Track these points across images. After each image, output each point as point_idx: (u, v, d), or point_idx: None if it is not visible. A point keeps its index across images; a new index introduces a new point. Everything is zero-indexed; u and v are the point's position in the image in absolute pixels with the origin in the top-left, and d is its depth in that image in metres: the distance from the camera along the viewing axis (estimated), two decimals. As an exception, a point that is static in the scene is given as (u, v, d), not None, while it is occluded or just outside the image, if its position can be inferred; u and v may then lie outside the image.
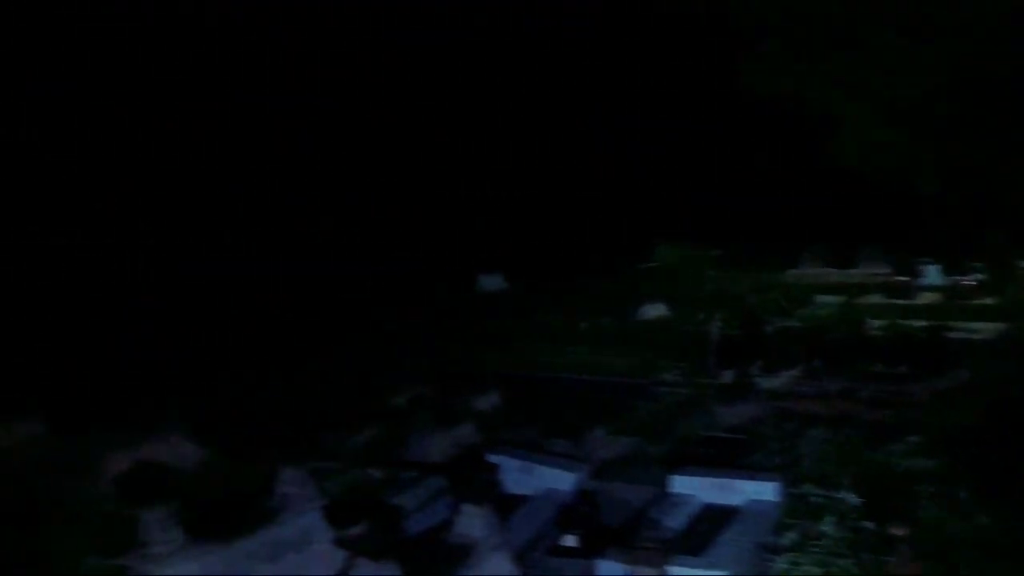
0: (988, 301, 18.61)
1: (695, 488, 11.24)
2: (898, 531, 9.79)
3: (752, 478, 11.27)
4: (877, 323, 17.89)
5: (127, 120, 16.71)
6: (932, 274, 20.54)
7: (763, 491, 11.06)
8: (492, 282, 23.77)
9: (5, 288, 15.52)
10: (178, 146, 17.57)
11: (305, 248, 19.22)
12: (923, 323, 17.31)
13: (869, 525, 10.02)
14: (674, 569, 9.33)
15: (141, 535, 7.74)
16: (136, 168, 17.53)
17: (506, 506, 10.09)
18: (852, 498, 10.57)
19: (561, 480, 11.29)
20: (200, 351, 15.79)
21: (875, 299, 19.97)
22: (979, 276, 19.99)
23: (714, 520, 10.58)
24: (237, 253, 18.37)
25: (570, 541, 9.92)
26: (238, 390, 14.92)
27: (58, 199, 16.44)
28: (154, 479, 9.98)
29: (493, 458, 11.43)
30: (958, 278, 20.17)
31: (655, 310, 20.60)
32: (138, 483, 9.80)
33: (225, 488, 10.04)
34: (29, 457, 12.93)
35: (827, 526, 10.13)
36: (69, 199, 16.70)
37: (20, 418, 13.79)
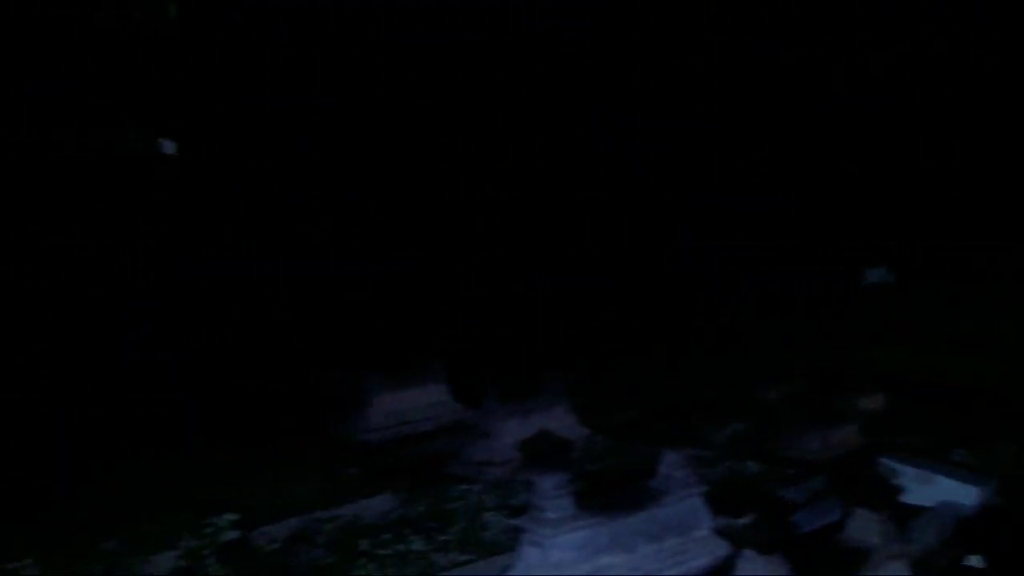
0: None
1: None
2: None
3: None
4: None
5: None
6: None
7: None
8: (877, 275, 22.27)
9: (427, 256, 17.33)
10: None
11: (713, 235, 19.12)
12: None
13: None
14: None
15: (536, 500, 8.20)
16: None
17: (900, 515, 9.34)
18: None
19: (963, 494, 10.24)
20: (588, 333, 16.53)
21: None
22: None
23: None
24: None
25: (974, 562, 8.97)
26: (618, 370, 15.41)
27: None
28: (552, 448, 10.63)
29: (885, 463, 10.66)
30: None
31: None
32: (538, 450, 10.52)
33: (610, 464, 10.45)
34: (434, 419, 14.40)
35: None
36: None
37: (424, 383, 15.38)
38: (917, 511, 9.64)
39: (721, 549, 8.67)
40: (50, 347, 14.36)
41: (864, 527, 7.56)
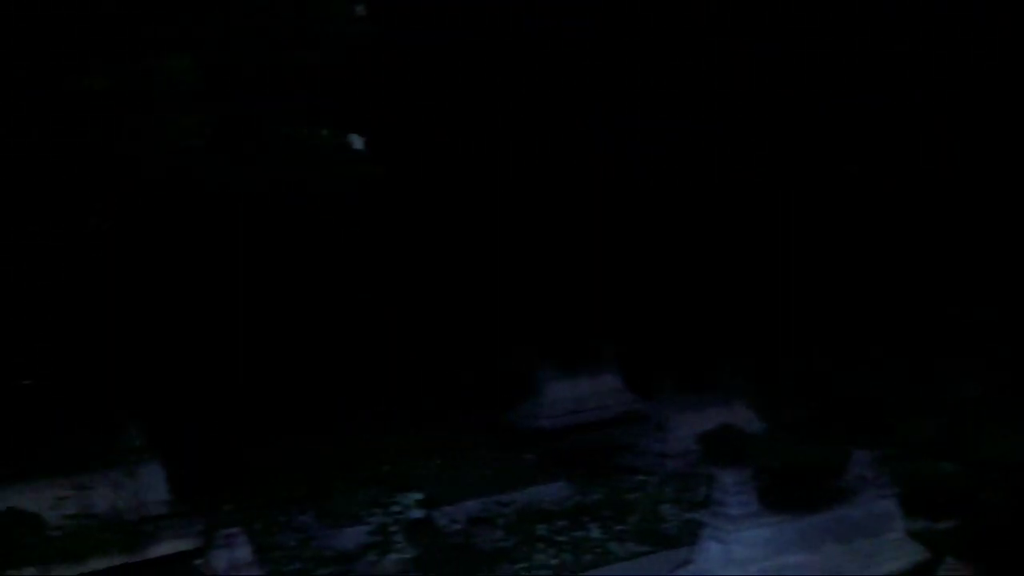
0: None
1: None
2: None
3: None
4: None
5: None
6: None
7: None
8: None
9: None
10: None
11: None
12: None
13: None
14: None
15: (718, 494, 8.07)
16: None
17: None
18: None
19: None
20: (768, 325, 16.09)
21: None
22: None
23: None
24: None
25: None
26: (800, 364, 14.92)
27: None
28: (733, 442, 10.43)
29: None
30: None
31: None
32: (720, 444, 10.35)
33: (795, 460, 10.12)
34: (609, 409, 14.42)
35: None
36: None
37: (599, 372, 15.42)
38: None
39: (916, 554, 8.27)
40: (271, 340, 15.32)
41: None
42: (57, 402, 11.44)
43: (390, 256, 17.40)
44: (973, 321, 17.29)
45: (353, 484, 11.56)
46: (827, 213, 18.15)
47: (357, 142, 13.86)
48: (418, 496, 10.70)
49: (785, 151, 18.49)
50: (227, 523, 8.81)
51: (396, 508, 10.51)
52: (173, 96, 11.34)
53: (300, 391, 14.47)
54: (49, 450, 10.10)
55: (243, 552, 8.02)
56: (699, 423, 12.59)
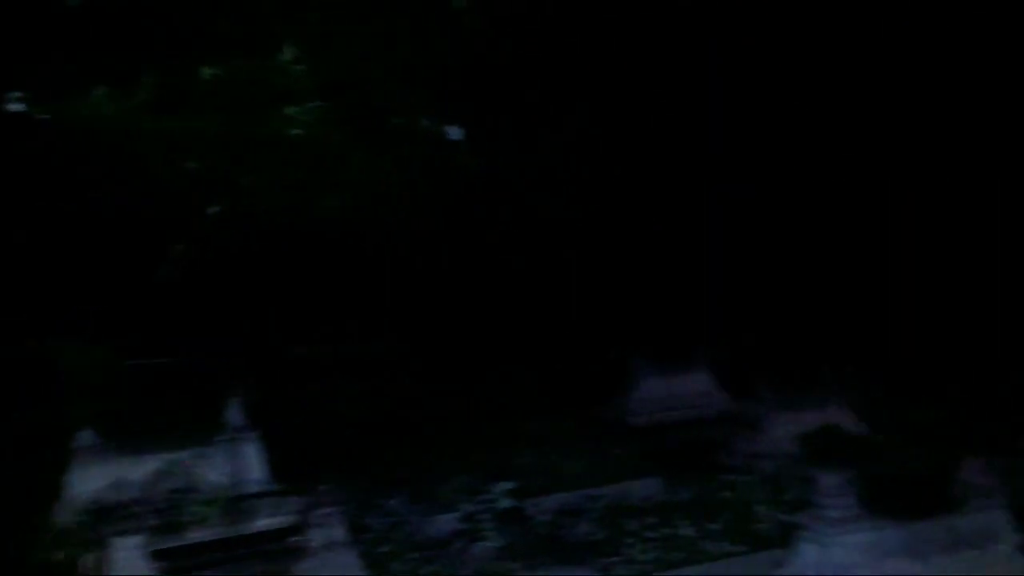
0: None
1: None
2: None
3: None
4: None
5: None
6: None
7: None
8: None
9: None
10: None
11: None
12: None
13: None
14: None
15: (817, 497, 7.84)
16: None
17: None
18: None
19: None
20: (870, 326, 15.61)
21: None
22: None
23: None
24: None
25: None
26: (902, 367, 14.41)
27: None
28: (835, 443, 10.13)
29: None
30: None
31: None
32: (820, 445, 10.07)
33: (897, 465, 9.79)
34: (703, 407, 14.20)
35: None
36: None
37: (693, 370, 15.19)
38: None
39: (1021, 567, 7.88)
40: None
41: None
42: (166, 379, 11.90)
43: (488, 250, 17.53)
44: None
45: (447, 471, 11.68)
46: (940, 214, 17.46)
47: (455, 133, 14.02)
48: (509, 486, 10.71)
49: (892, 151, 17.88)
50: (323, 503, 8.98)
51: (487, 497, 10.55)
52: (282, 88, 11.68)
53: (400, 380, 14.69)
54: (157, 425, 10.51)
55: (337, 532, 8.18)
56: (796, 425, 12.30)
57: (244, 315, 15.01)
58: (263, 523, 9.38)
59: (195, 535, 9.24)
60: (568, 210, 17.58)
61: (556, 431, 13.65)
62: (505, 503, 10.44)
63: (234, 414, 10.29)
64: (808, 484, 8.48)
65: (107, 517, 9.07)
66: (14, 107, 12.56)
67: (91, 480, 9.52)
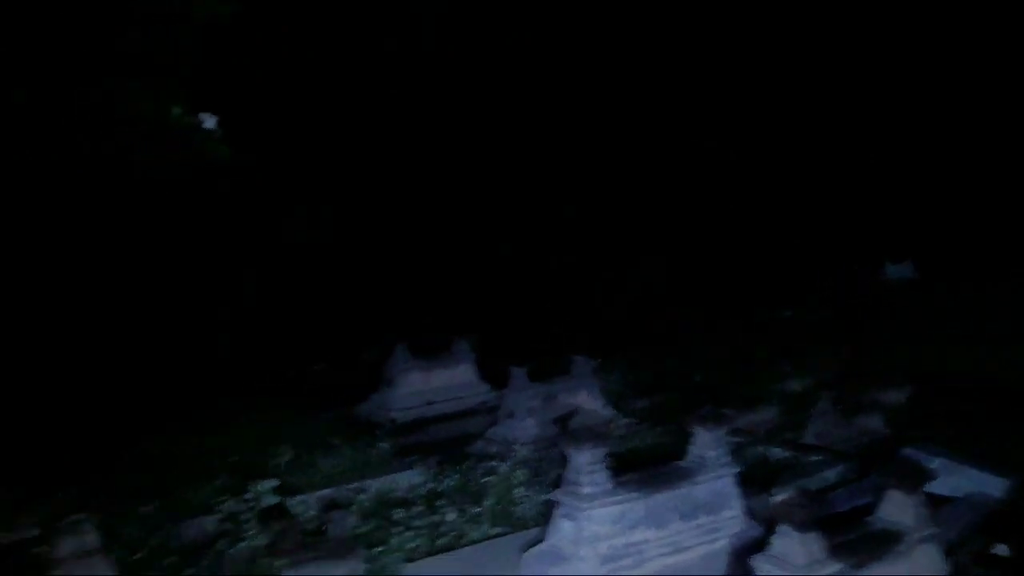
0: None
1: None
2: None
3: None
4: None
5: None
6: None
7: None
8: (900, 271, 22.31)
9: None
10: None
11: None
12: None
13: None
14: None
15: (571, 474, 8.41)
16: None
17: (928, 504, 9.45)
18: None
19: (989, 484, 10.39)
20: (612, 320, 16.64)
21: None
22: None
23: None
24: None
25: (1002, 550, 9.11)
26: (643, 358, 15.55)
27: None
28: (584, 425, 10.80)
29: (910, 453, 10.80)
30: None
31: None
32: (571, 427, 10.67)
33: (641, 444, 10.61)
34: (462, 399, 14.60)
35: None
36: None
37: (452, 363, 15.55)
38: (944, 501, 9.79)
39: (753, 528, 8.86)
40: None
41: (897, 509, 7.70)
42: None
43: (239, 244, 17.00)
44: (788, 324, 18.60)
45: (201, 476, 11.28)
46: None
47: (209, 122, 13.51)
48: (272, 484, 10.52)
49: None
50: (69, 512, 8.41)
51: (248, 496, 10.30)
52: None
53: (143, 384, 13.94)
54: None
55: (90, 539, 7.70)
56: (550, 411, 13.01)
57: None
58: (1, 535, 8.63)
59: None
60: (316, 208, 17.45)
61: (316, 431, 13.53)
62: (268, 501, 10.25)
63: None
64: (562, 464, 9.04)
65: None
66: None
67: None
